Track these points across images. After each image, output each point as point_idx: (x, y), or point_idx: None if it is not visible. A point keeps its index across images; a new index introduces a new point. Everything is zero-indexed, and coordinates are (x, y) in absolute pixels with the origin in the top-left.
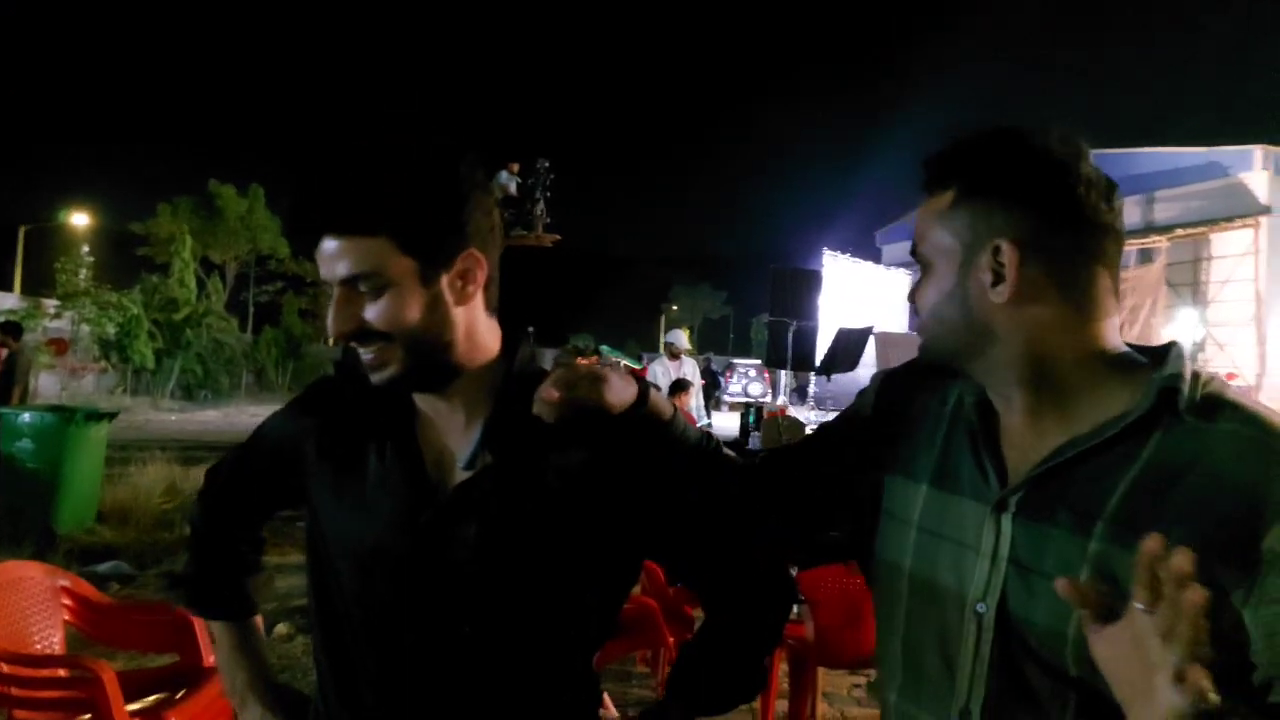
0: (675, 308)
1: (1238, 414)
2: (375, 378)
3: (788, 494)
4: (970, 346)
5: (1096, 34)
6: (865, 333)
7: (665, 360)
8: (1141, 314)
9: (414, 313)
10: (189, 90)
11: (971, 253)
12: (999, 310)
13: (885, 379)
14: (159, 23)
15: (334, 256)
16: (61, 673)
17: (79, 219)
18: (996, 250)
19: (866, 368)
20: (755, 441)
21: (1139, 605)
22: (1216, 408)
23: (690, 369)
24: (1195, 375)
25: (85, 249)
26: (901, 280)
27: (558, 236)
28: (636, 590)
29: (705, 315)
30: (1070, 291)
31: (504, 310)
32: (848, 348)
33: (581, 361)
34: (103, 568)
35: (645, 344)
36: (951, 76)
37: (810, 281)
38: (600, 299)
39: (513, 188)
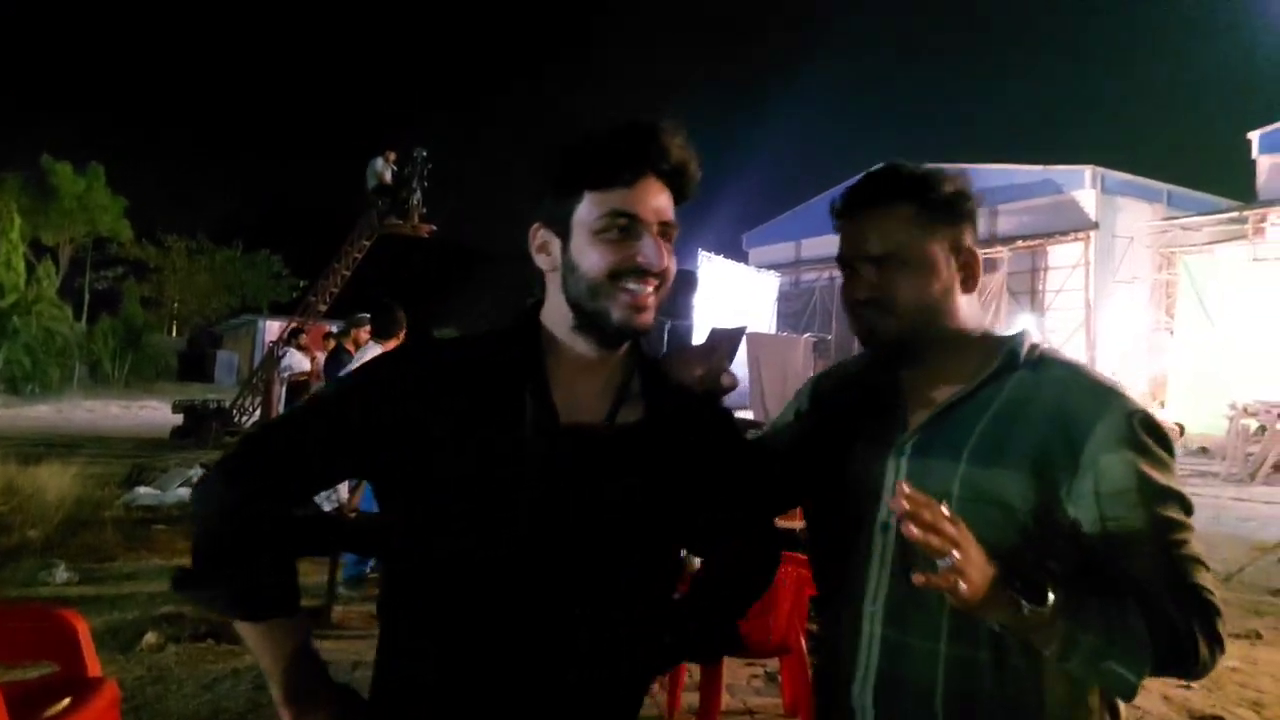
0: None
1: (1062, 363)
2: None
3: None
4: (936, 329)
5: (949, 52)
6: (739, 333)
7: None
8: (985, 319)
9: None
10: (22, 58)
11: (947, 254)
12: (963, 301)
13: (817, 378)
14: None
15: None
16: None
17: None
18: (969, 254)
19: (739, 366)
20: None
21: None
22: (1045, 362)
23: None
24: (1034, 345)
25: None
26: (769, 282)
27: (433, 226)
28: None
29: None
30: (977, 283)
31: (376, 299)
32: (721, 347)
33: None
34: None
35: None
36: (806, 83)
37: (687, 281)
38: (470, 292)
39: (388, 175)
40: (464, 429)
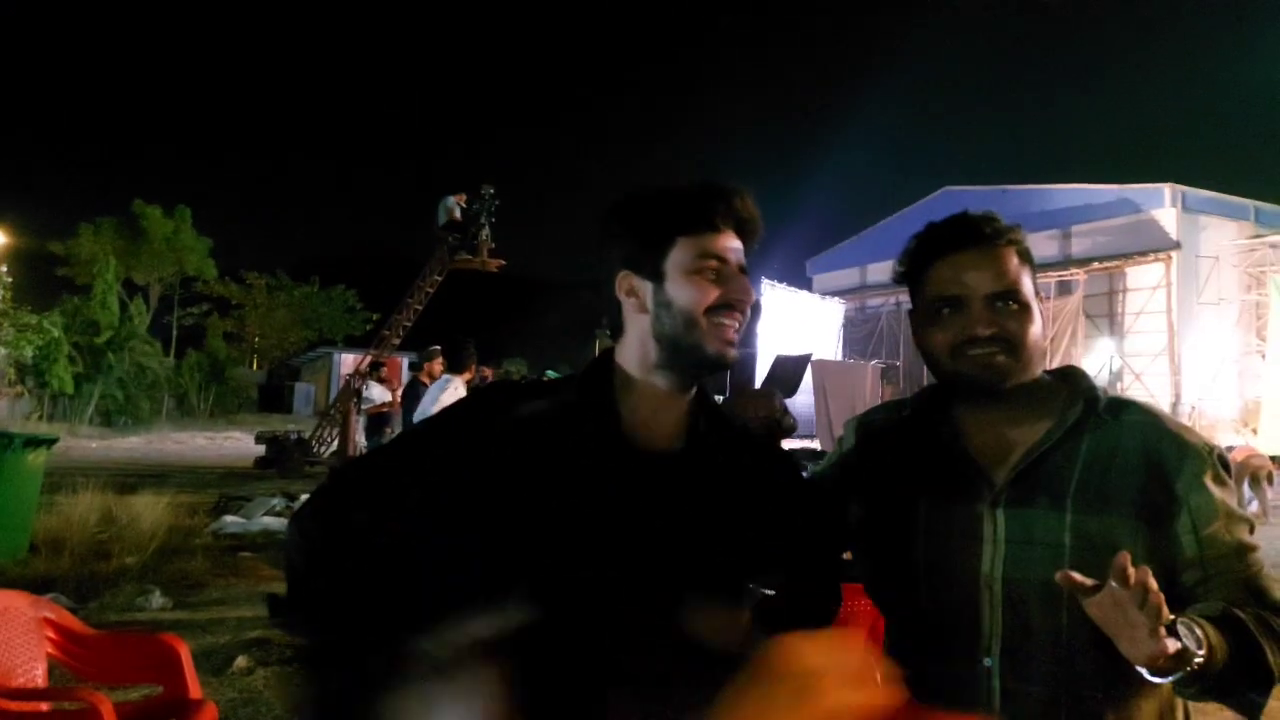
0: (609, 332)
1: (1137, 409)
2: None
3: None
4: (1032, 368)
5: (1017, 73)
6: (804, 360)
7: None
8: (1062, 344)
9: None
10: (115, 109)
11: (1037, 300)
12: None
13: (861, 423)
14: (83, 38)
15: None
16: (45, 707)
17: None
18: (1043, 300)
19: (805, 394)
20: None
21: (1114, 585)
22: (1122, 407)
23: None
24: (1103, 388)
25: (3, 269)
26: (834, 309)
27: (503, 261)
28: None
29: None
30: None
31: (450, 331)
32: (787, 374)
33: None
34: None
35: (576, 367)
36: (872, 113)
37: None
38: (533, 323)
39: (457, 213)
40: (535, 472)
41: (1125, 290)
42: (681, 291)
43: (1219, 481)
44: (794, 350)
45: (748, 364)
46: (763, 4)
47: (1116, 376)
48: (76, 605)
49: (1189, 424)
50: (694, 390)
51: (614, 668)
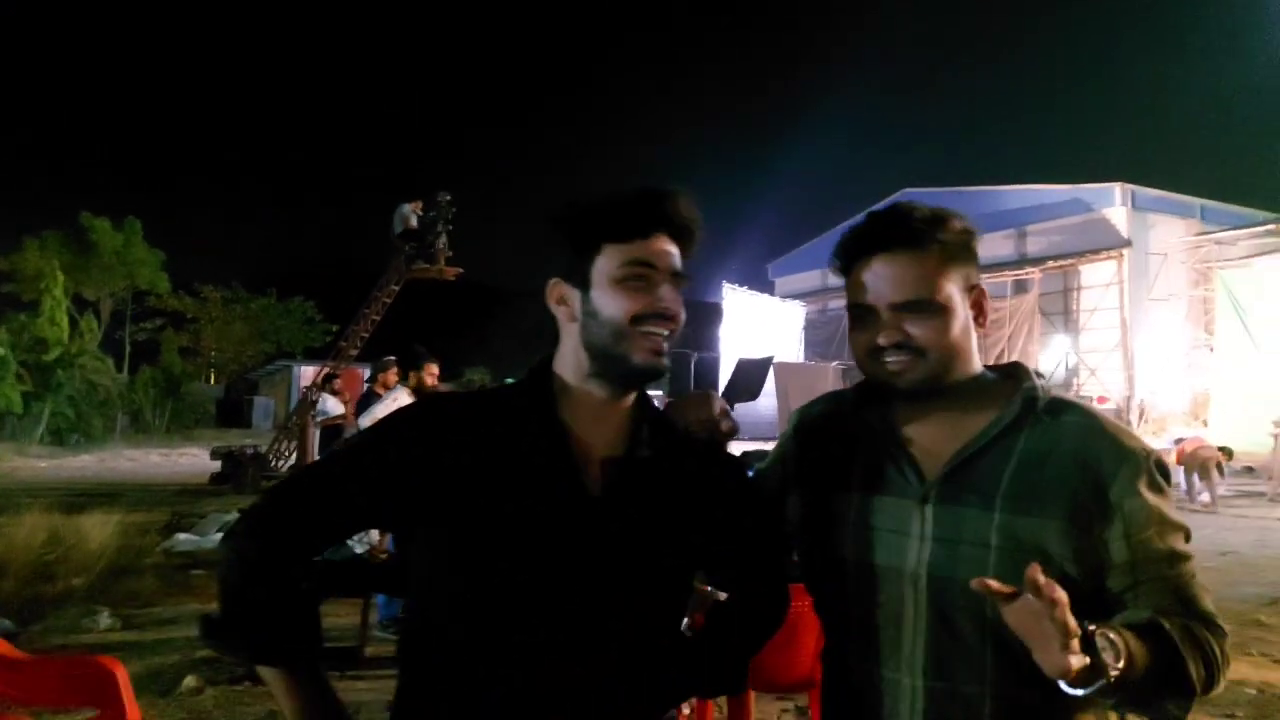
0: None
1: (1076, 410)
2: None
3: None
4: (956, 371)
5: (972, 75)
6: (765, 363)
7: None
8: (1018, 342)
9: None
10: (59, 118)
11: (963, 293)
12: (975, 339)
13: (801, 416)
14: (23, 41)
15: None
16: None
17: None
18: (979, 292)
19: (768, 396)
20: None
21: (1030, 596)
22: (1061, 408)
23: None
24: (1044, 388)
25: None
26: (795, 312)
27: (460, 270)
28: None
29: None
30: (987, 319)
31: (409, 341)
32: (749, 377)
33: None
34: None
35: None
36: (833, 114)
37: (712, 314)
38: (494, 332)
39: (414, 221)
40: (481, 477)
41: (1079, 288)
42: (607, 301)
43: (1154, 488)
44: (756, 353)
45: (710, 367)
46: (720, 4)
47: (1073, 372)
48: (18, 629)
49: (1139, 418)
50: (634, 396)
51: (551, 669)
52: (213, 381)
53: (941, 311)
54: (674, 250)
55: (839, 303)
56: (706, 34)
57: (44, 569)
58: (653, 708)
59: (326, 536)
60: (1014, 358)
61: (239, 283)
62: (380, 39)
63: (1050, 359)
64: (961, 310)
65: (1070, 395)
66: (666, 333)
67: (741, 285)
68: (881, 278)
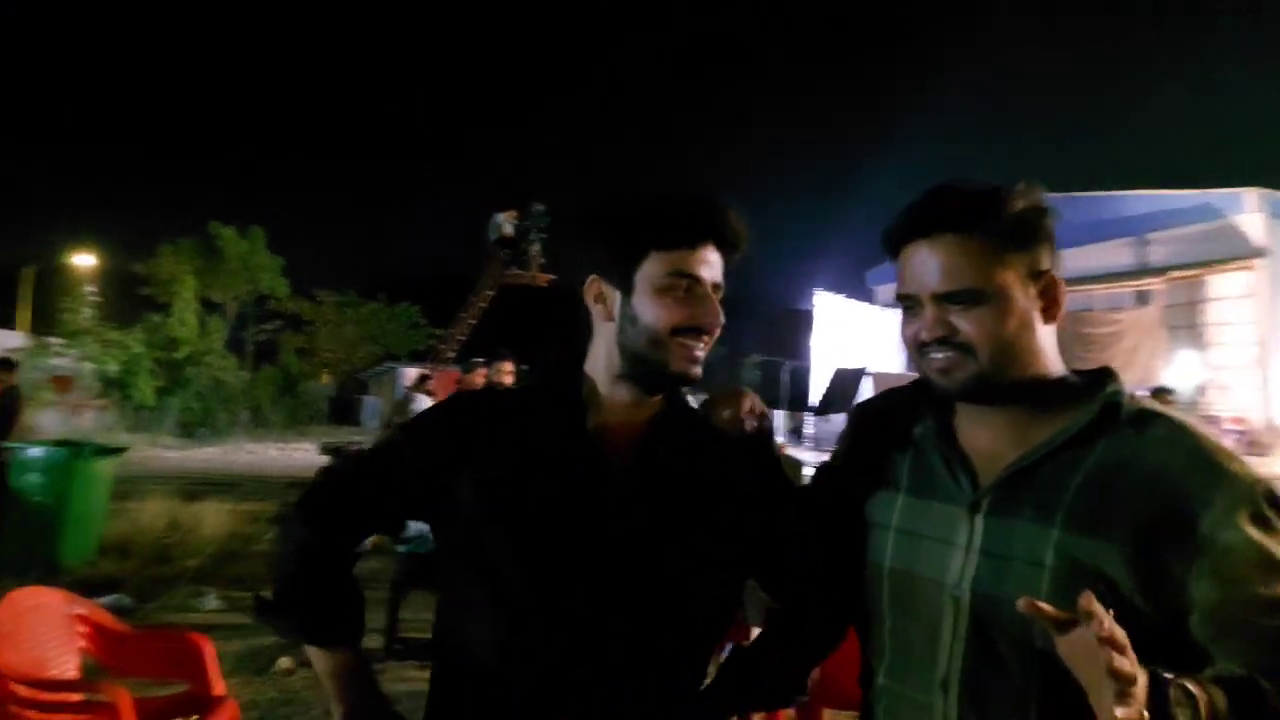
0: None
1: (1166, 423)
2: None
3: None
4: (1016, 370)
5: (1088, 78)
6: (860, 373)
7: None
8: (1140, 356)
9: None
10: (193, 136)
11: (1024, 282)
12: (1044, 334)
13: (860, 411)
14: (164, 74)
15: None
16: (77, 698)
17: (83, 260)
18: (1049, 280)
19: None
20: None
21: (1087, 627)
22: (1148, 419)
23: None
24: (1130, 395)
25: (90, 289)
26: (894, 320)
27: (552, 276)
28: None
29: None
30: (1060, 312)
31: (502, 346)
32: (844, 387)
33: None
34: (104, 600)
35: None
36: (939, 116)
37: (801, 322)
38: (580, 340)
39: (508, 229)
40: (505, 475)
41: (1208, 300)
42: (648, 308)
43: (1261, 523)
44: (852, 362)
45: (802, 376)
46: (835, 10)
47: (1201, 391)
48: (137, 605)
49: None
50: (663, 395)
51: (568, 669)
52: (326, 381)
53: (993, 303)
54: (718, 261)
55: None
56: (810, 35)
57: (163, 551)
58: (696, 715)
59: (368, 526)
60: (1138, 373)
61: (352, 288)
62: (489, 54)
63: (1177, 375)
64: (1021, 301)
65: (1162, 407)
66: (703, 345)
67: (838, 292)
68: (926, 265)
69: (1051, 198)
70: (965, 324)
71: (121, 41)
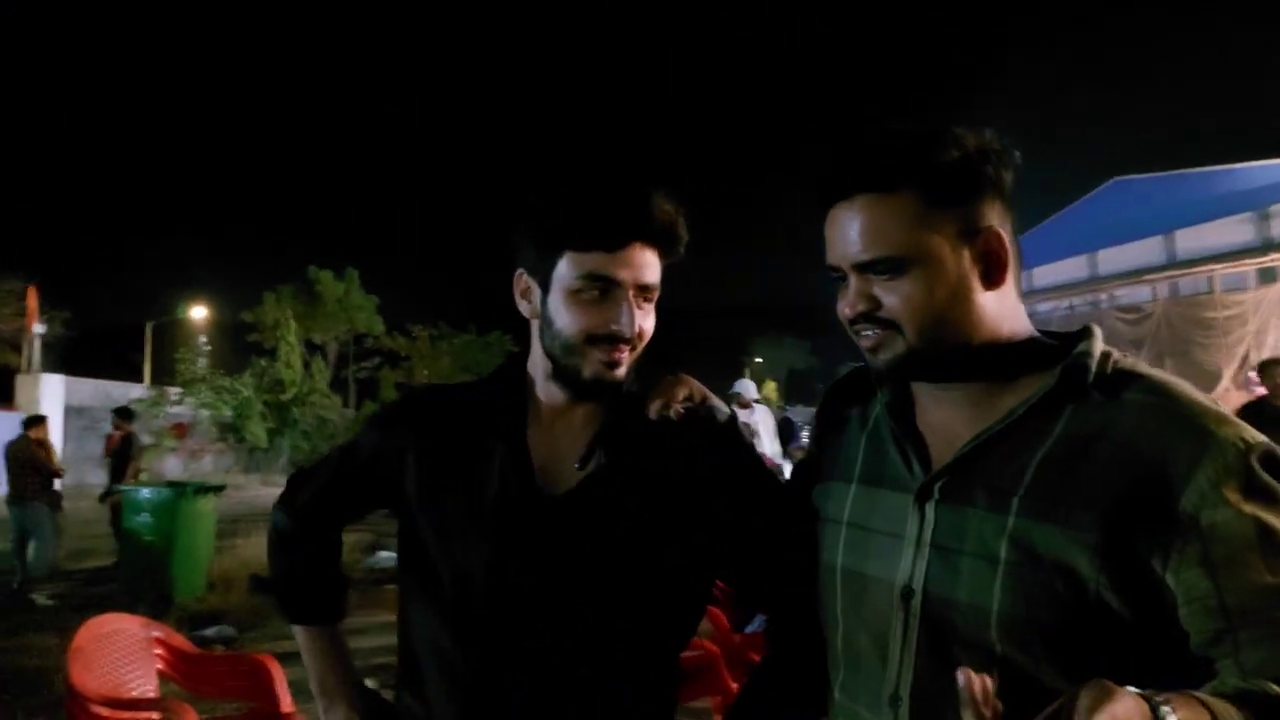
0: (758, 360)
1: (1144, 384)
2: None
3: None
4: (956, 342)
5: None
6: None
7: (736, 410)
8: (1268, 339)
9: None
10: (289, 187)
11: (963, 243)
12: (988, 299)
13: (825, 395)
14: (257, 136)
15: None
16: (153, 716)
17: (197, 312)
18: (990, 238)
19: None
20: None
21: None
22: (1125, 381)
23: (762, 416)
24: (1106, 354)
25: (203, 339)
26: None
27: None
28: (700, 638)
29: (791, 367)
30: (1013, 275)
31: None
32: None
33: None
34: (209, 631)
35: (728, 398)
36: (1031, 95)
37: None
38: (676, 354)
39: None
40: (446, 470)
41: None
42: (561, 312)
43: (1256, 493)
44: None
45: None
46: None
47: None
48: (239, 634)
49: None
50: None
51: (506, 676)
52: None
53: (917, 271)
54: (648, 260)
55: (1047, 306)
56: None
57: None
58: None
59: (338, 515)
60: (1263, 356)
61: (444, 321)
62: (554, 84)
63: None
64: (952, 266)
65: (1145, 367)
66: (623, 352)
67: None
68: (844, 231)
69: (1158, 178)
70: (888, 297)
71: (218, 105)
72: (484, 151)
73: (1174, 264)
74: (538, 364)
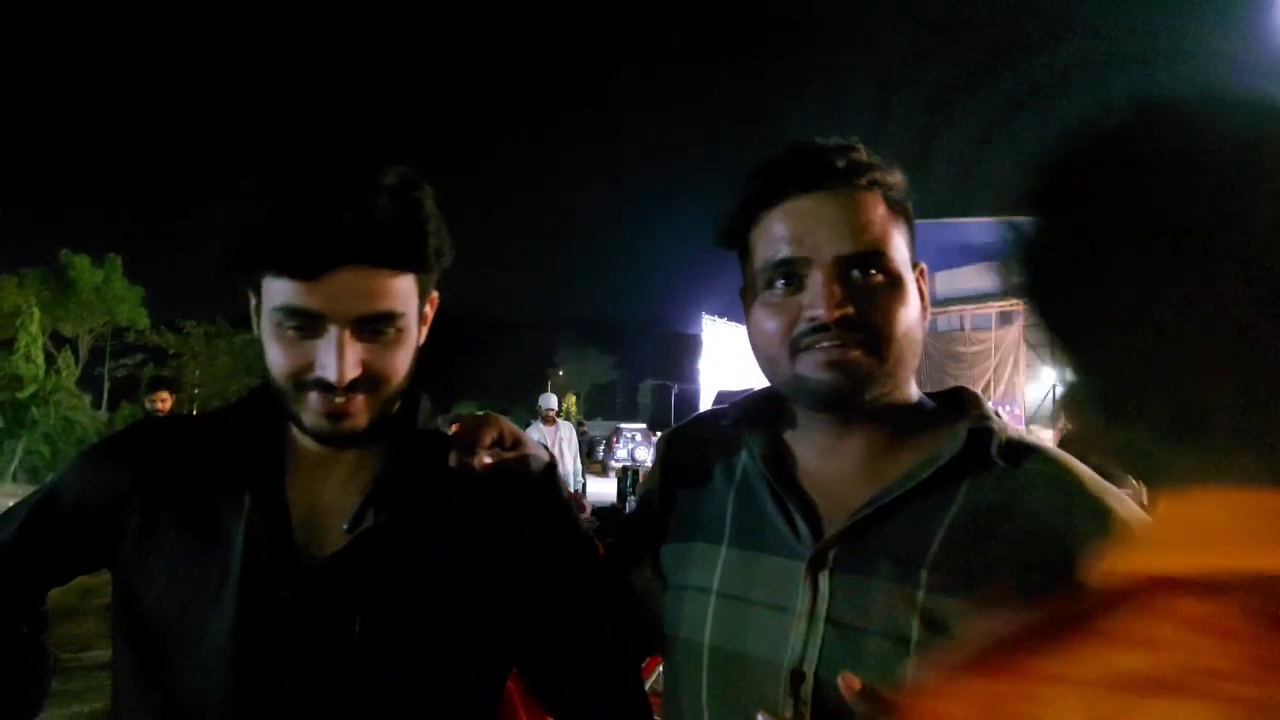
0: (562, 373)
1: (1041, 456)
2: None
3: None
4: (904, 372)
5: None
6: (743, 394)
7: (540, 425)
8: (1005, 373)
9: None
10: (36, 155)
11: (912, 264)
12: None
13: (667, 442)
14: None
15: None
16: None
17: None
18: (919, 272)
19: None
20: (633, 504)
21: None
22: (1021, 452)
23: (566, 432)
24: (1003, 422)
25: None
26: None
27: (434, 293)
28: None
29: (593, 380)
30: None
31: None
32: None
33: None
34: None
35: (533, 411)
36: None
37: (690, 345)
38: (484, 364)
39: None
40: (179, 523)
41: None
42: (266, 347)
43: None
44: (735, 385)
45: (690, 399)
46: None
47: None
48: None
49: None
50: (381, 443)
51: None
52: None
53: (900, 283)
54: (367, 287)
55: None
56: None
57: None
58: None
59: (25, 583)
60: (1002, 389)
61: (223, 318)
62: (360, 72)
63: (1040, 391)
64: (912, 281)
65: (1034, 438)
66: (343, 398)
67: (721, 316)
68: (817, 220)
69: (924, 223)
70: (874, 304)
71: None
72: (275, 129)
73: (935, 303)
74: None
